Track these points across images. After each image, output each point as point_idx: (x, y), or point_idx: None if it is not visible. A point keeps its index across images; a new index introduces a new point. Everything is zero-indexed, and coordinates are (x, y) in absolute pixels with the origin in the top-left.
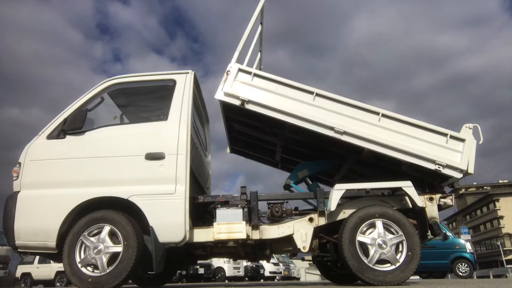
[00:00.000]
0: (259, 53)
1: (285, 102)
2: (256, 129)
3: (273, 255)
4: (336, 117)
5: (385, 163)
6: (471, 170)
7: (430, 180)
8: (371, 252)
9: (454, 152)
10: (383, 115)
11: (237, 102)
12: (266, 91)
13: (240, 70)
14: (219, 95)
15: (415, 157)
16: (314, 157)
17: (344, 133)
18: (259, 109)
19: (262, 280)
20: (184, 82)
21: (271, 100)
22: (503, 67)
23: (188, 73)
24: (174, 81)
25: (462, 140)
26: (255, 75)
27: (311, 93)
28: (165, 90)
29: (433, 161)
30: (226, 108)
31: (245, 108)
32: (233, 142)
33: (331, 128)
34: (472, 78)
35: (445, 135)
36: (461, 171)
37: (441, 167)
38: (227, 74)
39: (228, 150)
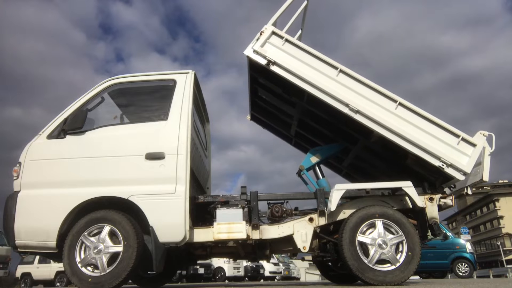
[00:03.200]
0: (299, 31)
1: (309, 72)
2: (277, 96)
3: (273, 255)
4: (354, 96)
5: (391, 152)
6: (486, 178)
7: (432, 179)
8: (371, 252)
9: (462, 154)
10: (401, 104)
11: (263, 62)
12: (294, 57)
13: (273, 32)
14: (248, 51)
15: (422, 150)
16: (326, 137)
17: (358, 112)
18: (283, 73)
19: (262, 280)
20: (184, 82)
21: (296, 67)
22: (505, 67)
23: (189, 73)
24: (174, 81)
25: (473, 145)
26: (287, 40)
27: (336, 68)
28: (165, 90)
29: (439, 158)
30: (252, 66)
31: (269, 69)
32: (254, 108)
33: (347, 105)
34: (473, 78)
35: (457, 136)
36: (464, 173)
37: (444, 165)
38: (261, 34)
39: (248, 117)
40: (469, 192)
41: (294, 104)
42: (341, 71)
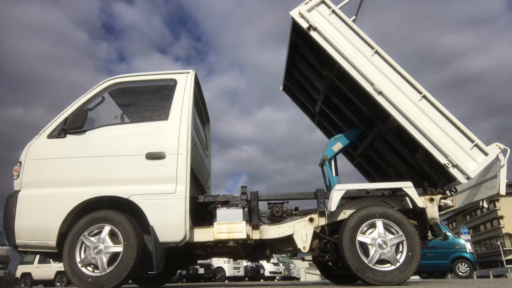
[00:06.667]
0: (353, 16)
1: (346, 46)
2: (310, 67)
3: (273, 255)
4: (382, 78)
5: (403, 143)
6: (502, 191)
7: (436, 178)
8: (371, 252)
9: (471, 159)
10: (425, 97)
11: (305, 25)
12: (335, 29)
13: (323, 1)
14: (294, 13)
15: (433, 144)
16: (347, 119)
17: (381, 93)
18: (321, 40)
19: (262, 280)
20: (185, 82)
21: (335, 38)
22: (507, 68)
23: (189, 72)
24: (174, 81)
25: (485, 154)
26: (334, 11)
27: (372, 48)
28: (166, 90)
29: (446, 156)
30: (294, 29)
31: (308, 34)
32: (288, 77)
33: (372, 84)
34: (475, 78)
35: (472, 141)
36: (467, 177)
37: (450, 164)
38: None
39: (281, 87)
40: (485, 205)
41: (324, 77)
42: (376, 52)
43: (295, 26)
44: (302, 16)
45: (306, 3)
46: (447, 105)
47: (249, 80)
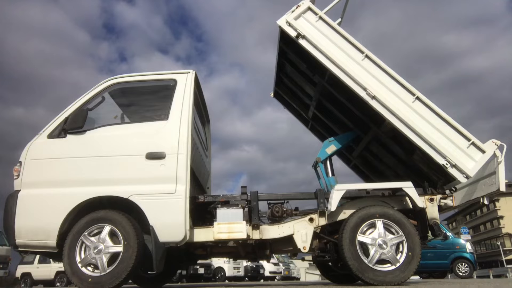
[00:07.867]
0: (339, 19)
1: (335, 52)
2: (300, 73)
3: (273, 255)
4: (374, 82)
5: (399, 145)
6: (502, 188)
7: (435, 178)
8: (371, 252)
9: (469, 158)
10: (418, 98)
11: (293, 33)
12: (324, 35)
13: (309, 8)
14: (281, 22)
15: (430, 146)
16: (341, 123)
17: (374, 98)
18: (310, 48)
19: (262, 280)
20: (185, 82)
21: (324, 45)
22: (507, 68)
23: (189, 72)
24: (175, 81)
25: (483, 152)
26: (321, 18)
27: (362, 52)
28: (166, 90)
29: (444, 156)
30: (283, 38)
31: (297, 42)
32: (278, 84)
33: (364, 89)
34: (476, 78)
35: (468, 140)
36: (467, 176)
37: (448, 164)
38: (297, 7)
39: (271, 94)
40: (486, 202)
41: (315, 84)
42: (367, 56)
43: (283, 34)
44: (290, 25)
45: (292, 11)
46: (447, 106)
47: (250, 80)
